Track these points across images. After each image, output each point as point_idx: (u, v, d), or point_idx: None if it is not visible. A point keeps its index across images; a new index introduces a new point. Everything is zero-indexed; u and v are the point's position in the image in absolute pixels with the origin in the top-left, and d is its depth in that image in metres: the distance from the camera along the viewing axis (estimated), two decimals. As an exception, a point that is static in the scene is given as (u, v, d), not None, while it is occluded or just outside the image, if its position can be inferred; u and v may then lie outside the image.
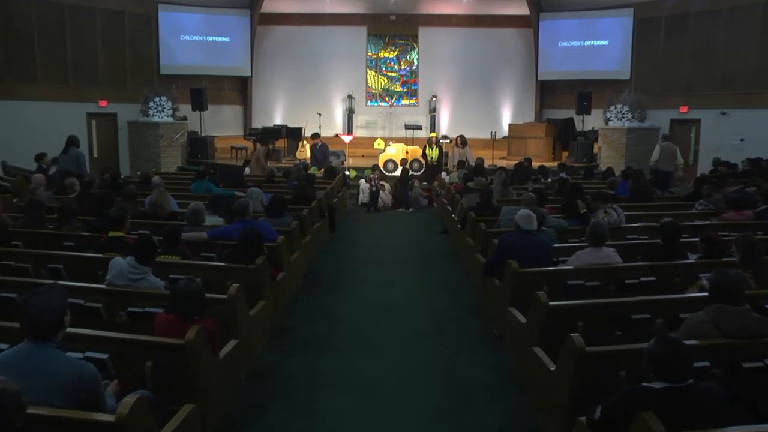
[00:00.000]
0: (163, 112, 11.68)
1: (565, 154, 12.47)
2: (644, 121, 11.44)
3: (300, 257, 5.09)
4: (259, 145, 11.42)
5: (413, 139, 12.29)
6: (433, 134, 11.42)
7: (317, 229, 6.30)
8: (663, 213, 5.32)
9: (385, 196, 9.86)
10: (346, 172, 10.77)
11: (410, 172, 10.17)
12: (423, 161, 11.37)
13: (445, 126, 15.10)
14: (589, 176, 8.76)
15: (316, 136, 10.08)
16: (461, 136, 10.75)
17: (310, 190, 6.64)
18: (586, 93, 12.09)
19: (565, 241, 4.56)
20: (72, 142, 7.77)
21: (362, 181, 10.39)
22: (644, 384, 1.91)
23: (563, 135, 12.76)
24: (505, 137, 13.82)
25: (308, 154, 11.64)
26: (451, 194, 7.61)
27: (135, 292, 3.09)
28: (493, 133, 12.09)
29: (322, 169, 9.60)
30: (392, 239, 7.39)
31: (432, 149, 10.82)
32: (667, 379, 1.87)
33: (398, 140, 12.46)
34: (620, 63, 12.41)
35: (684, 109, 11.25)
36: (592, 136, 12.09)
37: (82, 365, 1.89)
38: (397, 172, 10.35)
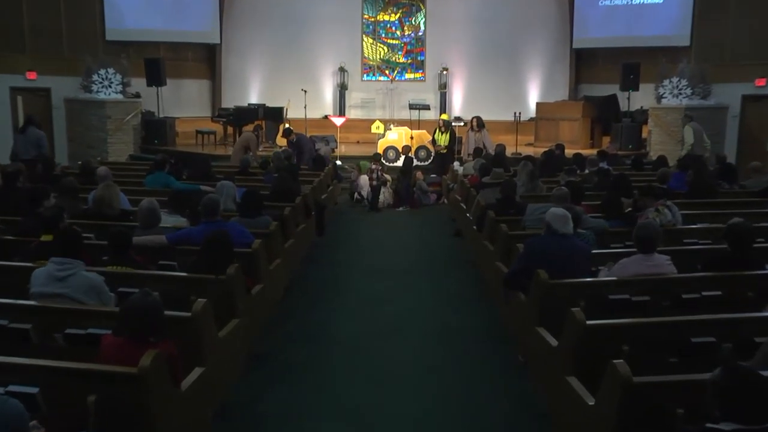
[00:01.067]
0: (111, 87, 11.55)
1: (606, 139, 12.42)
2: (708, 98, 11.12)
3: (281, 266, 5.10)
4: (246, 130, 11.40)
5: (419, 121, 12.30)
6: (443, 116, 11.50)
7: (302, 231, 6.32)
8: (731, 212, 5.21)
9: (387, 192, 9.92)
10: (338, 162, 10.78)
11: (414, 162, 10.20)
12: (431, 149, 11.41)
13: (458, 106, 15.16)
14: (636, 167, 8.68)
15: (288, 132, 10.10)
16: (477, 118, 10.80)
17: (293, 183, 6.65)
18: (633, 64, 11.94)
19: (606, 246, 4.57)
20: (31, 121, 7.81)
21: (356, 173, 10.44)
22: (709, 426, 1.80)
23: (604, 116, 12.71)
24: (531, 119, 13.86)
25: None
26: (465, 189, 7.63)
27: (75, 309, 3.07)
28: (518, 115, 12.09)
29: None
30: (394, 243, 7.43)
31: (442, 134, 10.86)
32: (738, 420, 1.76)
33: (401, 123, 12.51)
34: (677, 25, 11.98)
35: (761, 82, 10.85)
36: (641, 117, 11.99)
37: (3, 402, 1.74)
38: (400, 162, 10.36)
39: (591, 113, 12.69)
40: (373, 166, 9.75)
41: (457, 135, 11.14)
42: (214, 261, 3.77)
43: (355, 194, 10.06)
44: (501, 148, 9.17)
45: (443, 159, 10.71)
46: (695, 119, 9.37)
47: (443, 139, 10.81)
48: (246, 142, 9.98)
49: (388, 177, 9.92)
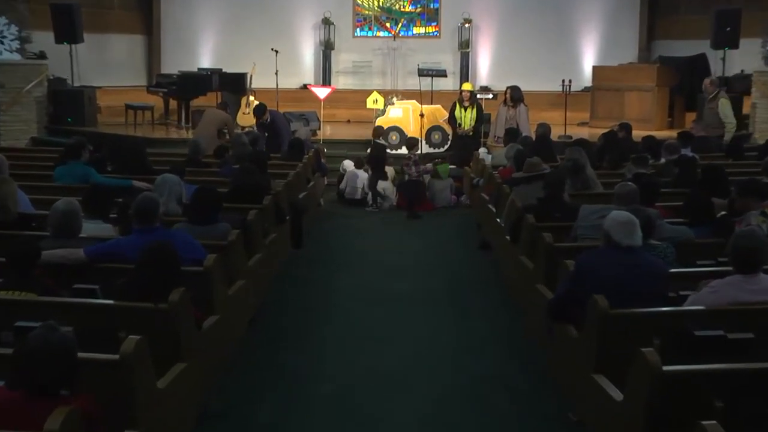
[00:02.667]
0: (2, 44, 11.48)
1: (690, 116, 12.29)
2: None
3: (244, 290, 5.12)
4: (210, 106, 11.47)
5: (432, 93, 12.28)
6: (465, 86, 11.52)
7: (273, 242, 6.36)
8: None
9: (387, 187, 9.97)
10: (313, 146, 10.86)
11: (414, 151, 10.14)
12: (448, 130, 11.49)
13: (485, 72, 15.26)
14: (734, 154, 8.57)
15: (261, 111, 10.16)
16: (513, 89, 10.85)
17: (260, 178, 6.69)
18: (730, 11, 11.89)
19: (690, 263, 4.57)
20: None
21: (347, 163, 10.48)
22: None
23: (688, 85, 12.61)
24: (586, 90, 13.98)
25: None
26: (495, 185, 7.65)
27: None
28: (567, 84, 12.11)
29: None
30: (398, 260, 7.45)
31: (464, 110, 10.94)
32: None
33: (407, 95, 12.59)
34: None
35: None
36: (741, 84, 11.90)
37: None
38: (405, 149, 10.41)
39: (669, 81, 12.65)
40: (411, 157, 9.84)
41: (484, 112, 11.21)
42: (152, 284, 3.78)
43: (346, 190, 10.11)
44: (544, 129, 9.20)
45: (465, 144, 10.77)
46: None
47: (466, 118, 10.89)
48: (220, 122, 10.09)
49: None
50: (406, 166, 9.86)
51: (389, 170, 10.33)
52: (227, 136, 9.90)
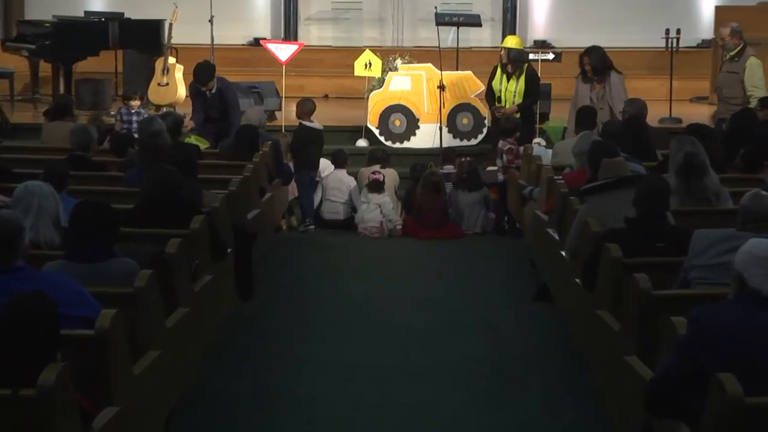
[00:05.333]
0: None
1: None
2: None
3: (158, 369, 5.10)
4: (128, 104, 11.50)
5: (458, 52, 12.34)
6: (511, 40, 11.52)
7: (206, 290, 6.34)
8: None
9: (386, 202, 10.09)
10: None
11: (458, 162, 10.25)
12: (484, 111, 11.60)
13: (541, 19, 15.31)
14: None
15: (207, 73, 10.17)
16: (595, 54, 10.66)
17: (186, 187, 6.69)
18: None
19: None
20: None
21: (323, 163, 10.47)
22: None
23: None
24: (703, 45, 14.11)
25: (181, 94, 11.71)
26: (558, 197, 7.66)
27: None
28: (673, 40, 12.19)
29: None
30: (409, 315, 7.46)
31: (509, 79, 10.99)
32: None
33: (420, 56, 12.67)
34: None
35: None
36: None
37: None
38: (416, 141, 10.43)
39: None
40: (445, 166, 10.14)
41: (538, 80, 11.25)
42: (12, 358, 3.76)
43: (323, 204, 10.17)
44: (636, 109, 9.19)
45: (510, 131, 10.76)
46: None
47: (509, 90, 10.93)
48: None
49: (381, 173, 10.15)
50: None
51: (390, 174, 10.36)
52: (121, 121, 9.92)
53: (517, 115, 10.83)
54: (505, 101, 10.89)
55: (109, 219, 5.15)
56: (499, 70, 11.00)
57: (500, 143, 10.16)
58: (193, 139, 9.72)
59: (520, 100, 10.86)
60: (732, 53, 10.55)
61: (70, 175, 6.90)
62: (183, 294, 5.78)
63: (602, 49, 10.71)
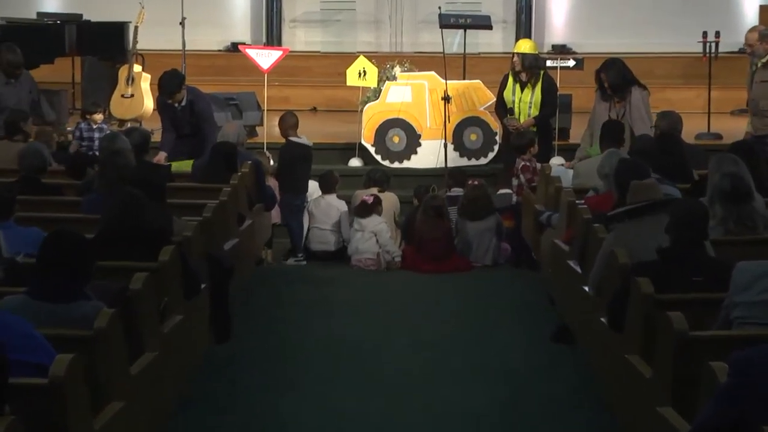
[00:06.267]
0: None
1: None
2: None
3: (122, 421, 5.06)
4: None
5: (466, 58, 12.45)
6: (523, 45, 11.57)
7: (176, 332, 6.35)
8: None
9: (383, 230, 10.12)
10: (270, 160, 10.93)
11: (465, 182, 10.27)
12: (496, 125, 11.62)
13: (560, 21, 15.38)
14: None
15: (174, 83, 10.16)
16: (613, 67, 10.59)
17: (153, 214, 6.71)
18: None
19: None
20: None
21: (311, 186, 10.50)
22: None
23: None
24: (744, 50, 14.03)
25: (148, 106, 11.74)
26: (580, 224, 7.67)
27: None
28: (711, 44, 12.25)
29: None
30: (412, 360, 7.44)
31: (521, 88, 11.05)
32: None
33: (421, 63, 12.74)
34: None
35: None
36: None
37: None
38: (417, 161, 10.44)
39: None
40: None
41: (554, 90, 11.32)
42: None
43: (311, 233, 10.22)
44: (669, 123, 9.23)
45: (525, 148, 10.77)
46: None
47: (523, 101, 10.99)
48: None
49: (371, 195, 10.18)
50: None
51: (388, 199, 10.38)
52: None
53: (534, 129, 10.87)
54: (519, 114, 10.94)
55: (79, 253, 5.13)
56: (510, 79, 11.04)
57: (516, 160, 10.18)
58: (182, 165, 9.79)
59: (536, 113, 10.92)
60: (764, 60, 10.60)
61: (19, 200, 6.93)
62: (150, 336, 5.77)
63: (621, 61, 10.69)
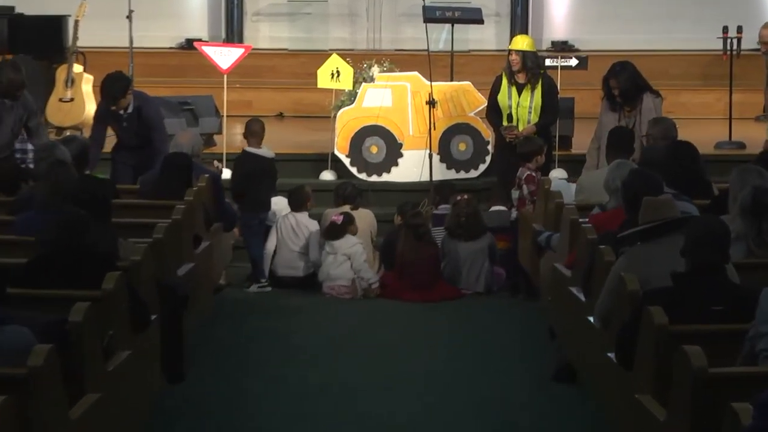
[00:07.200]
0: None
1: None
2: None
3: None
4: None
5: (453, 56, 12.52)
6: (521, 40, 11.57)
7: (123, 370, 6.31)
8: None
9: (357, 252, 10.14)
10: (223, 170, 10.95)
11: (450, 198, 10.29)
12: (488, 133, 11.67)
13: (560, 15, 15.42)
14: None
15: (119, 88, 10.10)
16: (624, 72, 10.70)
17: (96, 235, 6.69)
18: None
19: None
20: None
21: (278, 202, 10.53)
22: None
23: None
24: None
25: (90, 112, 11.71)
26: (584, 246, 7.69)
27: None
28: (732, 41, 12.29)
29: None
30: (394, 401, 7.44)
31: (517, 91, 11.06)
32: None
33: (403, 62, 12.82)
34: None
35: None
36: None
37: None
38: (398, 173, 10.46)
39: None
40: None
41: (554, 92, 11.35)
42: None
43: (277, 257, 10.23)
44: (663, 130, 9.22)
45: (530, 158, 10.76)
46: None
47: (521, 106, 11.01)
48: None
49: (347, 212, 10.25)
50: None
51: (364, 217, 10.38)
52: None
53: (535, 134, 10.80)
54: (518, 121, 10.94)
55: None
56: (505, 81, 11.04)
57: (520, 169, 10.12)
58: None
59: (537, 119, 10.92)
60: None
61: None
62: (92, 376, 5.74)
63: (632, 65, 10.75)
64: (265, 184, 10.39)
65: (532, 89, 10.94)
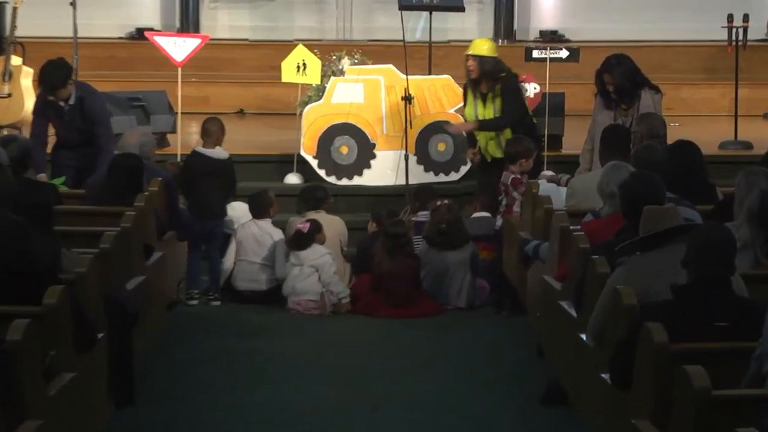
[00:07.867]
0: None
1: None
2: None
3: None
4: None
5: (431, 48, 12.60)
6: (480, 44, 11.40)
7: (66, 393, 6.25)
8: None
9: (325, 264, 10.15)
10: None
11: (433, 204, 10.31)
12: (462, 130, 11.56)
13: (550, 2, 15.48)
14: None
15: (58, 78, 10.08)
16: (620, 65, 10.67)
17: (38, 245, 6.64)
18: None
19: None
20: None
21: (238, 208, 10.53)
22: None
23: None
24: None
25: (29, 109, 11.72)
26: (576, 257, 7.70)
27: None
28: (737, 30, 12.35)
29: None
30: (365, 426, 7.49)
31: (484, 102, 10.99)
32: None
33: (376, 54, 12.89)
34: None
35: None
36: None
37: None
38: (370, 176, 10.50)
39: None
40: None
41: (520, 90, 11.42)
42: None
43: (237, 269, 10.24)
44: (649, 128, 9.22)
45: (515, 160, 10.77)
46: None
47: (488, 117, 10.93)
48: None
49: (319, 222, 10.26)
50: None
51: (333, 225, 10.39)
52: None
53: (532, 135, 10.78)
54: (485, 137, 10.89)
55: None
56: (470, 92, 11.01)
57: (504, 173, 10.13)
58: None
59: (518, 119, 10.85)
60: None
61: None
62: (32, 400, 5.71)
63: (629, 58, 10.74)
64: (215, 188, 10.30)
65: (494, 98, 10.86)
